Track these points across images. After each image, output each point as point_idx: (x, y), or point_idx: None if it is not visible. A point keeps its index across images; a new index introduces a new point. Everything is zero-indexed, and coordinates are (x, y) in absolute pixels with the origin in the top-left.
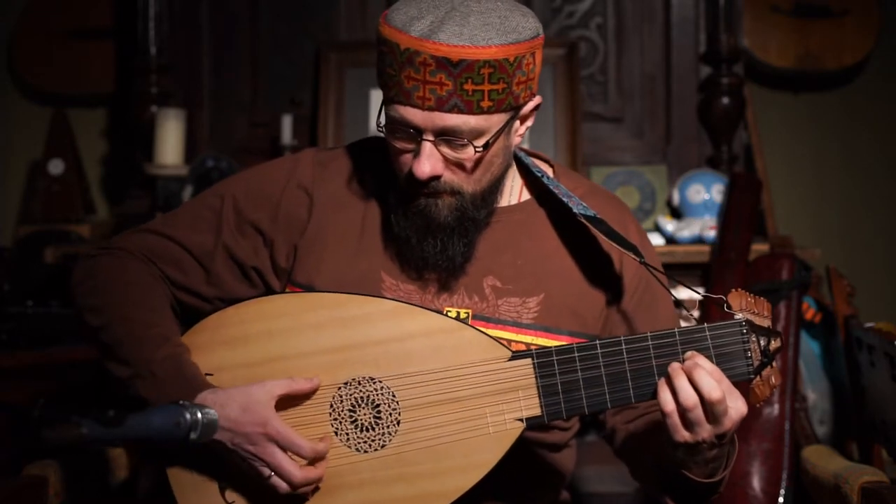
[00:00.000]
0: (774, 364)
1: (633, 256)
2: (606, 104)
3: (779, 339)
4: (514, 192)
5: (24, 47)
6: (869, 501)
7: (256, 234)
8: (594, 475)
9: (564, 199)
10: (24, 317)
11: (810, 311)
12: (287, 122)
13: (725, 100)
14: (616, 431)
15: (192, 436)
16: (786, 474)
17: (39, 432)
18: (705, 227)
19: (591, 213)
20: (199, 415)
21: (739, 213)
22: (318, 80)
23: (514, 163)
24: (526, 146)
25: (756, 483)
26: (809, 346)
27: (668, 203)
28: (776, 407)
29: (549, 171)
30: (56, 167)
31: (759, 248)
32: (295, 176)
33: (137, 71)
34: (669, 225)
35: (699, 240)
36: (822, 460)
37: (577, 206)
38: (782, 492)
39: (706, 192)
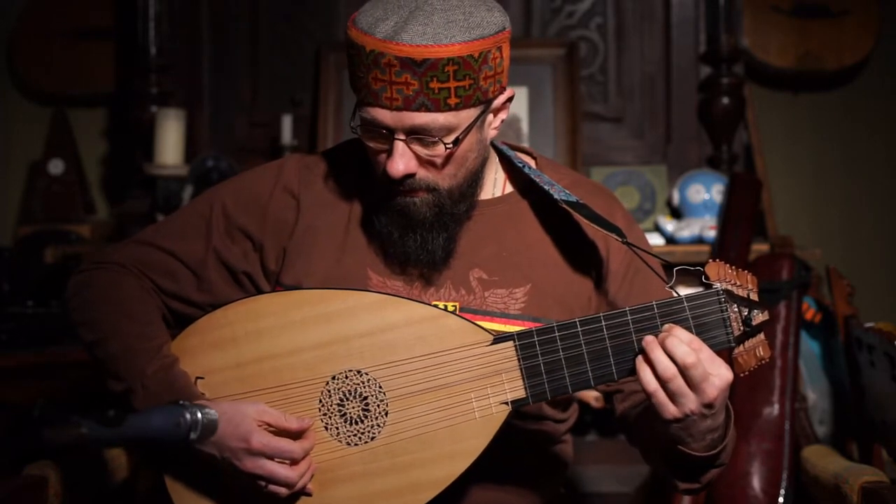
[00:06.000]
0: (762, 336)
1: (616, 237)
2: (606, 104)
3: (765, 313)
4: (498, 185)
5: (24, 47)
6: (869, 501)
7: (246, 239)
8: (594, 475)
9: (546, 187)
10: (24, 317)
11: (810, 311)
12: (287, 122)
13: (725, 100)
14: (626, 418)
15: (192, 436)
16: (786, 474)
17: (39, 432)
18: (705, 227)
19: (573, 198)
20: (199, 415)
21: (739, 213)
22: (318, 80)
23: (496, 156)
24: (525, 145)
25: (756, 483)
26: (809, 346)
27: (668, 203)
28: (776, 407)
29: (532, 164)
30: (56, 167)
31: (759, 248)
32: (281, 180)
33: (137, 71)
34: (669, 225)
35: (699, 240)
36: (822, 460)
37: (560, 194)
38: (782, 492)
39: (706, 192)
